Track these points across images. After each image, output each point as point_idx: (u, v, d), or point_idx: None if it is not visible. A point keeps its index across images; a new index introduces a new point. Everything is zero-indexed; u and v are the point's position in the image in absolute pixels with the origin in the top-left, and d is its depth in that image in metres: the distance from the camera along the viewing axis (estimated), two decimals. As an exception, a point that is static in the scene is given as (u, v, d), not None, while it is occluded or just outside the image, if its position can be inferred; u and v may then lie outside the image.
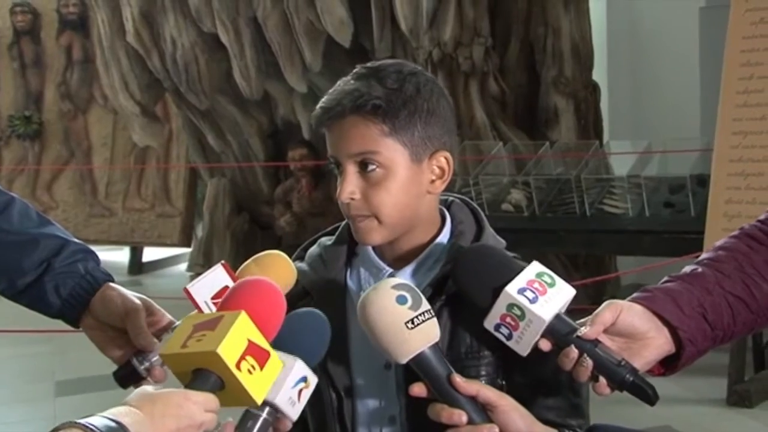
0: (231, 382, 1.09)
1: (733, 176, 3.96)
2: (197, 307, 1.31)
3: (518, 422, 1.18)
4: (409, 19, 5.46)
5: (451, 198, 1.44)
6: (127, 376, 1.36)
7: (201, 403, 1.07)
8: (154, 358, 1.34)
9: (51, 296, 1.40)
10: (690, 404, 4.04)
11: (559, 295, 1.23)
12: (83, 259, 1.42)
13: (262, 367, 1.10)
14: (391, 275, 1.37)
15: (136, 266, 7.71)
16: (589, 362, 1.20)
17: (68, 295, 1.39)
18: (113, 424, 1.00)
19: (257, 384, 1.10)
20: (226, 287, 1.29)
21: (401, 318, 1.17)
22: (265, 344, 1.11)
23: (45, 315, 1.43)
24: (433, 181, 1.36)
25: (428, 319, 1.19)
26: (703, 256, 1.35)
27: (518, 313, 1.21)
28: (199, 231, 7.35)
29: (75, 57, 7.79)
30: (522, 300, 1.21)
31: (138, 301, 1.38)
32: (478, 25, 5.49)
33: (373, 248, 1.40)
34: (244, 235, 6.87)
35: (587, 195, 4.65)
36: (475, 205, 1.45)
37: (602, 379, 1.21)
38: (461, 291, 1.26)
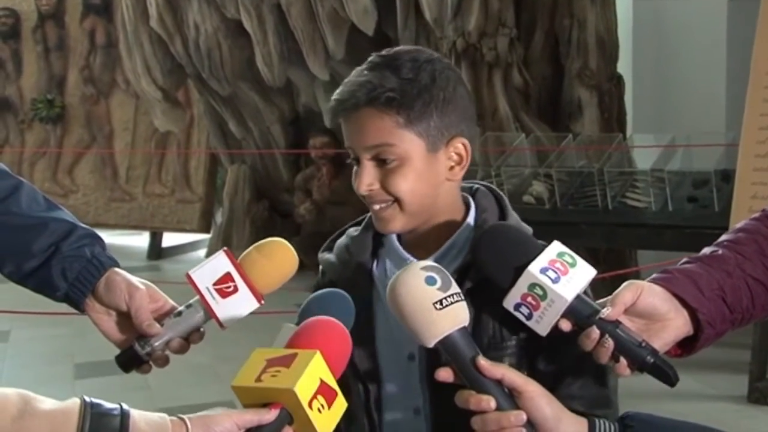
0: (301, 419, 1.12)
1: (759, 172, 3.92)
2: (199, 293, 1.32)
3: (545, 409, 1.15)
4: (434, 8, 5.42)
5: (476, 186, 1.43)
6: (129, 361, 1.36)
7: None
8: (156, 343, 1.35)
9: (57, 280, 1.40)
10: (710, 401, 4.01)
11: (580, 275, 1.22)
12: (90, 243, 1.42)
13: (330, 406, 1.13)
14: None
15: (156, 251, 7.73)
16: (610, 343, 1.19)
17: (75, 278, 1.39)
18: None
19: (325, 422, 1.13)
20: (228, 274, 1.31)
21: (429, 299, 1.16)
22: (334, 384, 1.14)
23: (50, 298, 1.43)
24: (451, 168, 1.35)
25: (457, 301, 1.17)
26: (723, 237, 1.34)
27: (540, 293, 1.20)
28: (219, 217, 7.37)
29: (98, 41, 7.81)
30: (544, 280, 1.20)
31: (142, 286, 1.39)
32: (503, 15, 5.45)
33: (398, 238, 1.39)
34: (264, 222, 6.87)
35: (609, 188, 4.62)
36: (500, 192, 1.43)
37: (623, 360, 1.20)
38: (481, 270, 1.25)
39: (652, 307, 1.22)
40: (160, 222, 7.59)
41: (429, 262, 1.21)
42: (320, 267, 1.46)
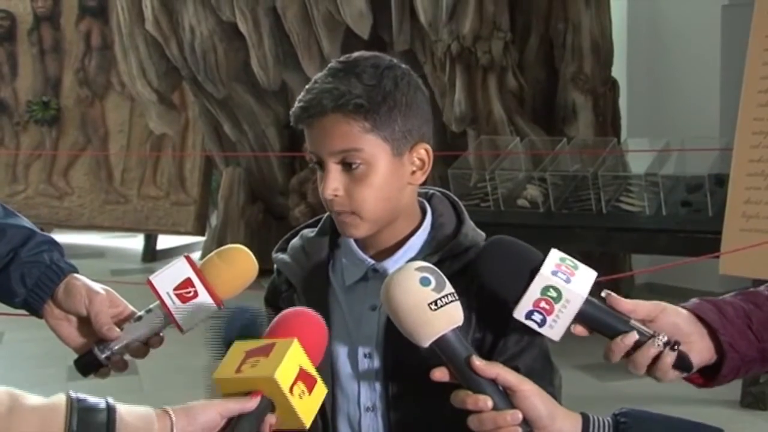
0: (283, 406, 1.14)
1: (753, 176, 3.93)
2: (159, 298, 1.34)
3: (539, 407, 1.17)
4: (429, 11, 5.43)
5: (431, 191, 1.46)
6: (89, 365, 1.37)
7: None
8: (116, 347, 1.36)
9: (16, 285, 1.40)
10: (703, 405, 4.01)
11: (585, 276, 1.24)
12: (49, 249, 1.43)
13: (310, 392, 1.16)
14: (373, 267, 1.39)
15: (150, 254, 7.73)
16: (671, 355, 1.20)
17: (34, 284, 1.40)
18: None
19: (306, 408, 1.16)
20: (188, 279, 1.33)
21: (424, 299, 1.18)
22: (313, 371, 1.17)
23: (8, 305, 1.43)
24: (413, 173, 1.37)
25: (451, 301, 1.19)
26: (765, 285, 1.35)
27: (554, 295, 1.21)
28: (214, 220, 7.36)
29: (94, 43, 7.81)
30: (557, 281, 1.21)
31: (102, 291, 1.40)
32: (498, 19, 5.46)
33: (355, 240, 1.41)
34: (258, 225, 6.87)
35: (604, 192, 4.62)
36: (455, 198, 1.46)
37: (663, 365, 1.21)
38: (486, 285, 1.26)
39: (674, 326, 1.23)
40: (154, 224, 7.58)
41: (423, 263, 1.23)
42: (275, 267, 1.47)
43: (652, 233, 4.51)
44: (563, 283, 1.21)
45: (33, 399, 1.08)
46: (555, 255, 1.24)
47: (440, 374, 1.20)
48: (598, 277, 1.25)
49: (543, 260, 1.23)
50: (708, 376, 1.27)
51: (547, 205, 4.75)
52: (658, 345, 1.21)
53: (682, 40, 5.93)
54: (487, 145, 5.28)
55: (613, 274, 4.88)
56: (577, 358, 4.51)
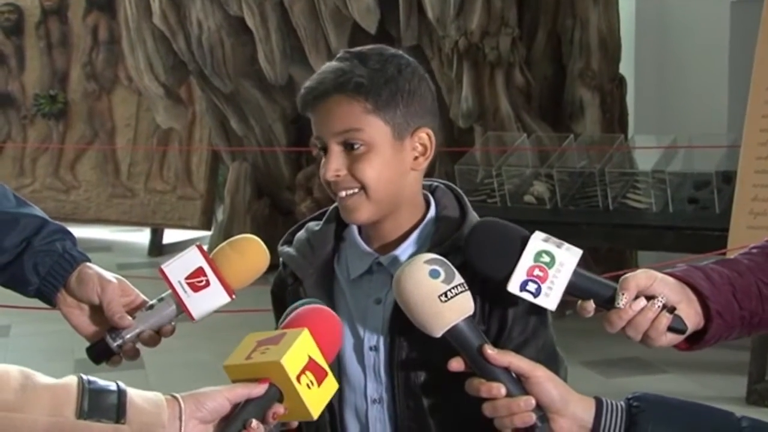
0: (290, 394, 1.14)
1: (761, 173, 3.93)
2: (171, 287, 1.35)
3: (552, 392, 1.19)
4: (436, 7, 5.43)
5: (435, 183, 1.47)
6: (101, 353, 1.39)
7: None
8: (128, 335, 1.37)
9: (30, 274, 1.41)
10: (707, 402, 4.01)
11: (573, 248, 1.26)
12: (61, 238, 1.44)
13: (319, 384, 1.15)
14: (378, 260, 1.39)
15: (157, 248, 7.74)
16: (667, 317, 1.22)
17: (47, 273, 1.41)
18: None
19: (314, 399, 1.15)
20: (200, 268, 1.35)
21: (434, 291, 1.20)
22: (323, 363, 1.17)
23: (22, 294, 1.44)
24: (416, 158, 1.38)
25: (461, 292, 1.21)
26: (738, 253, 1.37)
27: (547, 260, 1.23)
28: (220, 214, 7.37)
29: (101, 37, 7.82)
30: (549, 246, 1.23)
31: (114, 280, 1.41)
32: (506, 15, 5.45)
33: (359, 233, 1.42)
34: (265, 220, 6.88)
35: (610, 189, 4.62)
36: (459, 191, 1.47)
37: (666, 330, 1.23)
38: (478, 269, 1.28)
39: (664, 295, 1.25)
40: (161, 218, 7.59)
41: (432, 255, 1.25)
42: (281, 260, 1.48)
43: (658, 230, 4.52)
44: (555, 248, 1.23)
45: (45, 378, 1.10)
46: (539, 234, 1.26)
47: (456, 364, 1.22)
48: (604, 273, 1.27)
49: (529, 235, 1.26)
50: (694, 341, 1.29)
51: (554, 201, 4.75)
52: (657, 308, 1.22)
53: (690, 36, 5.92)
54: (493, 141, 5.27)
55: (619, 271, 4.88)
56: (582, 354, 4.51)
